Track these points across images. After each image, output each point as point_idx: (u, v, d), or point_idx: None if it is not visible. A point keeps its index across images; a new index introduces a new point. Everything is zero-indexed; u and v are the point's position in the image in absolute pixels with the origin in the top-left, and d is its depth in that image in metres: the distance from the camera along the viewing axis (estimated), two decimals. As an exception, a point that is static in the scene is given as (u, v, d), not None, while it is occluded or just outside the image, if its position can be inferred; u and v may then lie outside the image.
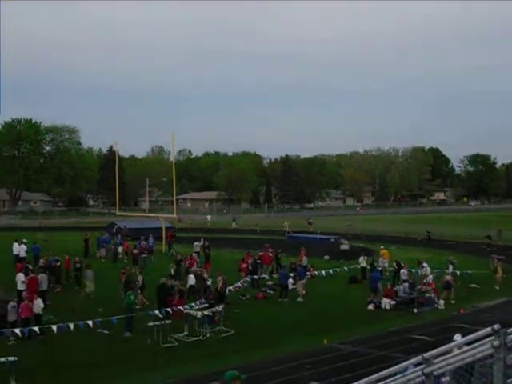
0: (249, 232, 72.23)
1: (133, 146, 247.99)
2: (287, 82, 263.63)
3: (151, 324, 22.46)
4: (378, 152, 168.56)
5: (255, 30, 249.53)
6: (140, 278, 29.43)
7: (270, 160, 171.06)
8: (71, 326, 21.12)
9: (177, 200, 63.36)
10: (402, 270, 33.37)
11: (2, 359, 17.70)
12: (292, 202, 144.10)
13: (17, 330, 21.18)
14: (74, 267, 34.46)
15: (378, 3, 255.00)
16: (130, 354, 20.89)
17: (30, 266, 32.66)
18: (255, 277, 34.98)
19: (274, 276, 36.14)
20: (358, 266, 37.78)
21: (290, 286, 32.06)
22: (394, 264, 35.92)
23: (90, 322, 21.83)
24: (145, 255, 41.90)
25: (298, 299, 30.84)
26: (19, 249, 40.93)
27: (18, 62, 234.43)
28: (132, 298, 24.32)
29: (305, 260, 38.68)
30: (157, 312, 24.02)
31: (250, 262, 36.13)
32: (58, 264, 33.81)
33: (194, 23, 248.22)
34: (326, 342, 22.34)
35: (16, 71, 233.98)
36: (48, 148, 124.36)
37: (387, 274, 36.53)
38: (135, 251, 41.14)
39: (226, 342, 22.60)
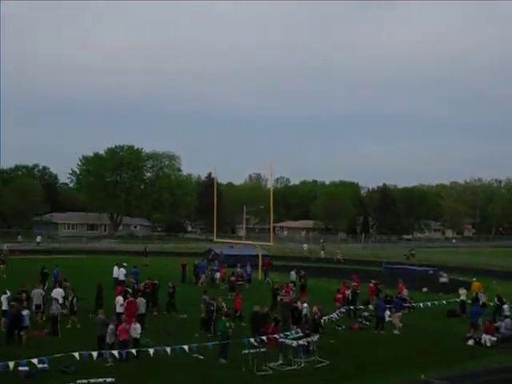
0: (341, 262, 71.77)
1: (231, 172, 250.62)
2: (387, 113, 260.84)
3: (246, 352, 22.42)
4: (479, 183, 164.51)
5: (351, 64, 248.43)
6: (223, 303, 29.24)
7: (368, 189, 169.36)
8: (168, 349, 21.29)
9: (273, 228, 63.38)
10: (505, 306, 32.18)
11: (101, 380, 18.05)
12: (389, 232, 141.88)
13: (115, 352, 21.56)
14: (167, 292, 34.80)
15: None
16: (224, 381, 20.87)
17: (130, 290, 33.25)
18: (351, 307, 34.51)
19: (370, 307, 35.55)
20: (458, 300, 36.73)
21: (387, 318, 31.46)
22: (496, 299, 34.67)
23: (185, 347, 21.94)
24: (241, 282, 42.09)
25: (395, 331, 30.14)
26: (119, 272, 41.89)
27: (120, 89, 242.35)
28: (227, 324, 24.34)
29: (405, 292, 37.85)
30: (252, 340, 23.94)
31: (349, 292, 35.83)
32: (157, 288, 34.30)
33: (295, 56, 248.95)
34: (422, 376, 21.65)
35: (118, 98, 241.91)
36: (148, 174, 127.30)
37: (486, 308, 35.28)
38: (232, 278, 41.37)
39: (321, 373, 22.23)
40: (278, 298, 32.68)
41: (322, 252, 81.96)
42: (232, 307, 31.28)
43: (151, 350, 21.16)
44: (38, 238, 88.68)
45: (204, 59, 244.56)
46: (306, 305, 30.03)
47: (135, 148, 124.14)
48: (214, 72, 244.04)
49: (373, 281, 40.05)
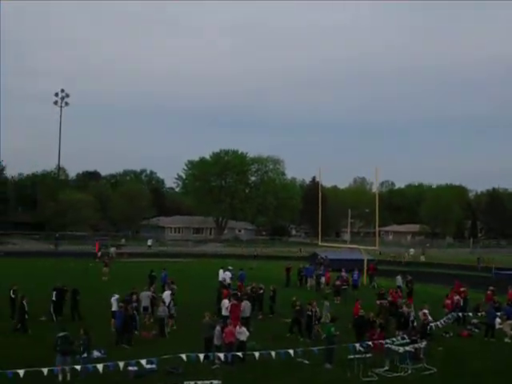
0: (445, 267, 70.31)
1: (335, 176, 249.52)
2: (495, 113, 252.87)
3: (351, 357, 22.21)
4: None
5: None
6: (314, 309, 28.86)
7: (476, 192, 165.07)
8: (273, 353, 21.32)
9: (379, 232, 62.59)
10: None
11: (207, 382, 18.27)
12: (499, 237, 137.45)
13: (221, 355, 21.78)
14: (268, 296, 34.86)
15: None
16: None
17: (238, 293, 33.51)
18: (460, 314, 33.61)
19: (480, 314, 34.51)
20: None
21: (497, 326, 30.45)
22: None
23: (291, 351, 21.91)
24: (345, 287, 41.81)
25: (506, 340, 29.16)
26: (224, 275, 42.38)
27: (224, 94, 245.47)
28: (332, 329, 24.16)
29: (516, 299, 36.62)
30: (357, 345, 23.68)
31: (457, 298, 34.95)
32: (261, 292, 34.45)
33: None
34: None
35: (222, 104, 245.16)
36: (253, 178, 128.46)
37: None
38: (337, 282, 41.15)
39: (428, 380, 21.77)
40: (378, 302, 32.19)
41: (423, 256, 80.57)
42: (337, 311, 31.00)
43: (257, 354, 21.22)
44: (149, 242, 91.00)
45: (312, 65, 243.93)
46: (412, 311, 29.53)
47: (240, 152, 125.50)
48: (320, 76, 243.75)
49: (490, 288, 38.82)
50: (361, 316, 27.02)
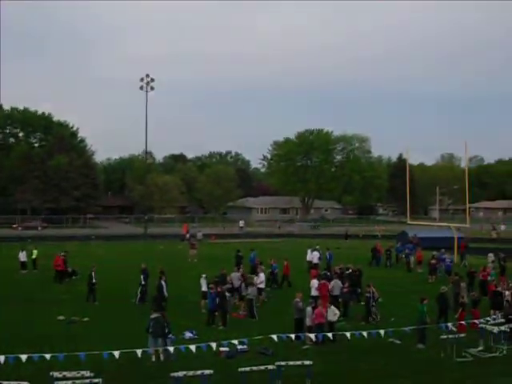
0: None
1: (422, 153, 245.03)
2: None
3: (444, 337, 21.78)
4: None
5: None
6: (371, 289, 27.96)
7: None
8: (364, 333, 21.10)
9: (469, 209, 61.04)
10: None
11: (298, 362, 18.25)
12: None
13: (312, 335, 21.74)
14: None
15: None
16: (423, 366, 20.41)
17: (328, 273, 33.36)
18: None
19: None
20: None
21: None
22: None
23: (381, 331, 21.65)
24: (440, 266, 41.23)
25: None
26: (312, 256, 42.27)
27: (312, 74, 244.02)
28: (424, 309, 23.74)
29: None
30: (450, 325, 23.20)
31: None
32: (357, 272, 33.85)
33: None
34: None
35: (310, 84, 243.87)
36: (339, 157, 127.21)
37: None
38: (433, 261, 40.41)
39: (524, 361, 21.20)
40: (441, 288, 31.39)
41: (493, 232, 77.92)
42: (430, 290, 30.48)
43: (348, 334, 21.06)
44: (241, 223, 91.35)
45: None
46: (507, 291, 28.73)
47: (324, 131, 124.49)
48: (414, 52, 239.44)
49: None
50: (442, 292, 26.52)
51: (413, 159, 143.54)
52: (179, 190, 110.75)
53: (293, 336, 20.58)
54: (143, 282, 31.21)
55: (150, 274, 31.56)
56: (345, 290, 28.57)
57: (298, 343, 21.81)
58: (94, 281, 31.45)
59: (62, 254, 39.08)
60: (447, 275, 38.25)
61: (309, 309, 23.56)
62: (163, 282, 29.05)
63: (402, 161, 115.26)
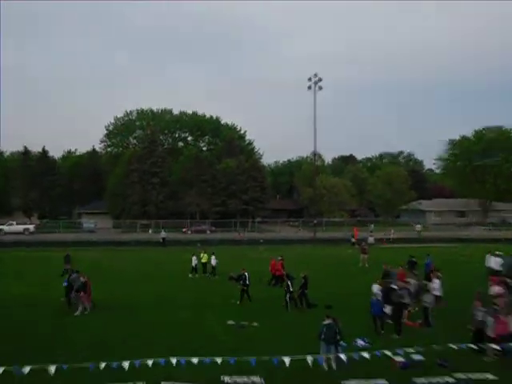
0: None
1: None
2: None
3: None
4: None
5: None
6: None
7: None
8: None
9: None
10: None
11: (481, 376, 16.92)
12: None
13: (496, 346, 19.99)
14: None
15: None
16: None
17: (508, 280, 31.32)
18: None
19: None
20: None
21: None
22: None
23: None
24: None
25: None
26: (493, 261, 40.10)
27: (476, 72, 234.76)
28: None
29: None
30: None
31: None
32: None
33: None
34: None
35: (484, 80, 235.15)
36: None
37: None
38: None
39: None
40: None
41: None
42: None
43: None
44: (418, 227, 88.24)
45: None
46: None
47: (503, 128, 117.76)
48: None
49: None
50: None
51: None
52: (349, 192, 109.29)
53: (474, 346, 19.04)
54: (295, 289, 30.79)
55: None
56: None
57: (476, 355, 20.17)
58: (247, 282, 32.03)
59: (280, 258, 39.71)
60: None
61: (491, 319, 21.85)
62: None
63: None
